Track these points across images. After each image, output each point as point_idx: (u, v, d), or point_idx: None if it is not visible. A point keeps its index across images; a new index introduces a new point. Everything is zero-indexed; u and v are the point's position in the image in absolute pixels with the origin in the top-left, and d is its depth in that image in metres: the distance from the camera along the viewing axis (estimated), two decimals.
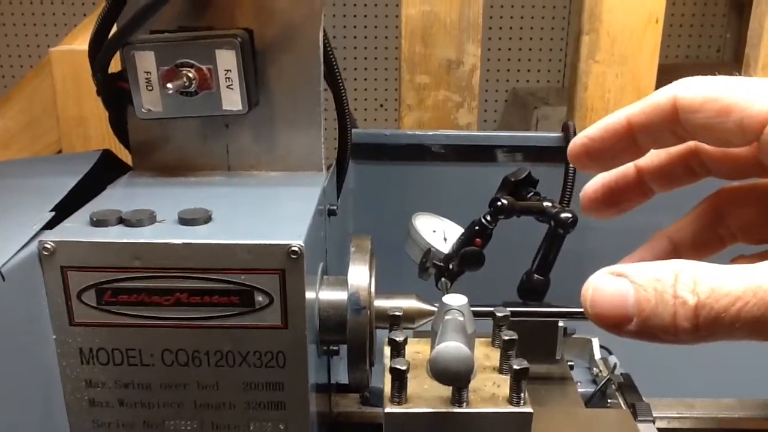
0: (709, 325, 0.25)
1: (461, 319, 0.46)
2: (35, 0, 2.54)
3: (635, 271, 0.27)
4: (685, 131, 0.30)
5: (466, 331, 0.45)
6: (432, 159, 0.91)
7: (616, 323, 0.27)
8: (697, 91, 0.29)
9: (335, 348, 0.62)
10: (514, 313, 0.57)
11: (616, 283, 0.27)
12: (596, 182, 0.35)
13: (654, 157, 0.34)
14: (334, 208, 0.65)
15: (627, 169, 0.34)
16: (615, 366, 0.73)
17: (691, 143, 0.33)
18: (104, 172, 0.62)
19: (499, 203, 0.65)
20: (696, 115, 0.29)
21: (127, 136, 0.63)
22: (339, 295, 0.55)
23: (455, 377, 0.43)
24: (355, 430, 0.67)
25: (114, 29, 0.58)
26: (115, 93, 0.59)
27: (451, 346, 0.42)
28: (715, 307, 0.25)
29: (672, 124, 0.30)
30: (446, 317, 0.46)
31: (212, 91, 0.57)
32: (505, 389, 0.47)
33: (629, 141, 0.32)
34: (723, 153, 0.33)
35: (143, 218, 0.49)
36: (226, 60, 0.57)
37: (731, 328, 0.25)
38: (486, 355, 0.52)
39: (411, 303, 0.57)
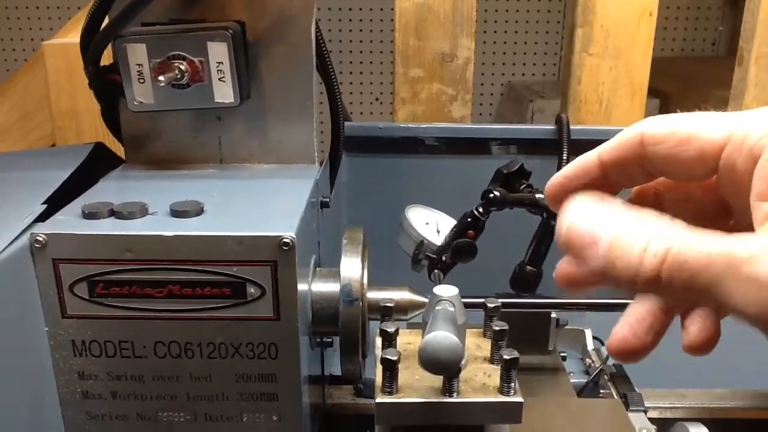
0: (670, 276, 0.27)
1: (452, 309, 0.46)
2: None
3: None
4: (652, 165, 0.32)
5: (456, 321, 0.45)
6: (425, 152, 0.92)
7: (586, 244, 0.30)
8: (661, 124, 0.31)
9: (329, 340, 0.62)
10: (506, 305, 0.57)
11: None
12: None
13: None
14: (327, 200, 0.65)
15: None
16: (607, 357, 0.73)
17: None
18: (97, 165, 0.62)
19: (491, 195, 0.65)
20: (659, 147, 0.31)
21: (120, 129, 0.63)
22: (331, 287, 0.55)
23: (444, 366, 0.43)
24: (349, 421, 0.68)
25: (105, 21, 0.57)
26: (107, 85, 0.59)
27: (440, 336, 0.42)
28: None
29: (640, 159, 0.32)
30: (437, 308, 0.47)
31: (204, 83, 0.57)
32: (495, 379, 0.47)
33: (602, 178, 0.33)
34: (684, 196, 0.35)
35: (135, 210, 0.49)
36: (218, 52, 0.57)
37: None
38: (477, 345, 0.52)
39: (403, 294, 0.57)
